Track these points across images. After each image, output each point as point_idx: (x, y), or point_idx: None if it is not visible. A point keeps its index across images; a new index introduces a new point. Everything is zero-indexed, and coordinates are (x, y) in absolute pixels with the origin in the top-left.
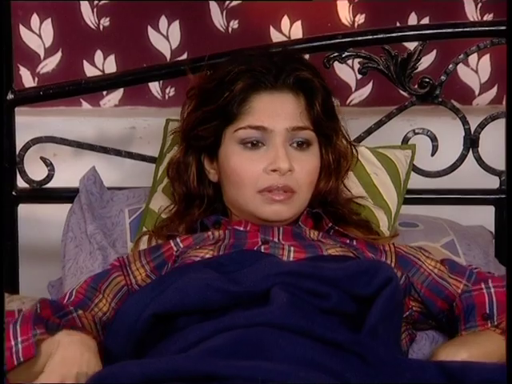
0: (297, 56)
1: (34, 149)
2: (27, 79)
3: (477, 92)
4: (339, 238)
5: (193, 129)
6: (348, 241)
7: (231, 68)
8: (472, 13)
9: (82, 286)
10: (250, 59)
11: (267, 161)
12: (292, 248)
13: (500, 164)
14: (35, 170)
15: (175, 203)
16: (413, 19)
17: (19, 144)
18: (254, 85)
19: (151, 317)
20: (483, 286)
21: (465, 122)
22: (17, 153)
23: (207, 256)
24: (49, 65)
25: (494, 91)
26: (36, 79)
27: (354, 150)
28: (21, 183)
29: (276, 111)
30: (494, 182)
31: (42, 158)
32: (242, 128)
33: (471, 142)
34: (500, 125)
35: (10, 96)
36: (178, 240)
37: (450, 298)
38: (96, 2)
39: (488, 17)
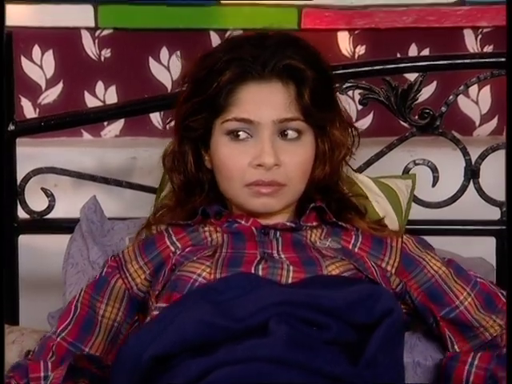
0: (292, 41)
1: (34, 179)
2: (28, 110)
3: (477, 123)
4: (343, 233)
5: (184, 120)
6: (352, 240)
7: (220, 56)
8: (472, 44)
9: (84, 297)
10: (240, 44)
11: (253, 154)
12: (291, 267)
13: (501, 195)
14: (36, 201)
15: (174, 194)
16: (413, 50)
17: (20, 175)
18: (242, 75)
19: (152, 358)
20: (469, 360)
21: (465, 153)
22: (18, 183)
23: (204, 274)
24: (50, 96)
25: (494, 122)
26: (37, 110)
27: (354, 133)
28: (21, 214)
29: (263, 102)
30: (494, 213)
31: (42, 189)
32: (228, 120)
33: (472, 172)
34: (500, 156)
35: (11, 127)
36: (174, 239)
37: (448, 303)
38: (97, 33)
39: (488, 48)
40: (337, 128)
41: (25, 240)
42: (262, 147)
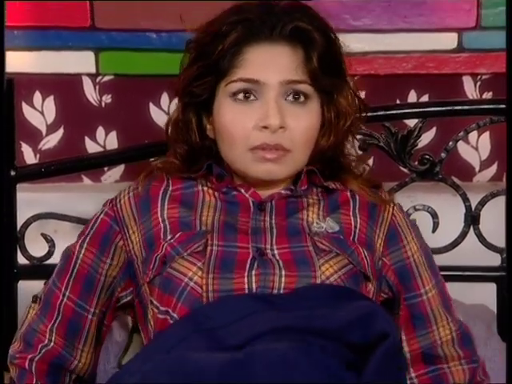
0: (301, 7)
1: (34, 225)
2: (29, 156)
3: (477, 169)
4: (340, 201)
5: (188, 85)
6: (351, 209)
7: (226, 19)
8: (471, 91)
9: (86, 255)
10: (247, 9)
11: (258, 116)
12: (283, 272)
13: (501, 241)
14: (36, 247)
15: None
16: (412, 96)
17: (20, 220)
18: (248, 36)
19: None
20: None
21: (465, 199)
22: (18, 229)
23: (196, 278)
24: (51, 141)
25: (494, 168)
26: (38, 155)
27: (361, 107)
28: (21, 259)
29: (270, 63)
30: (495, 259)
31: (42, 235)
32: (233, 81)
33: (472, 218)
34: (500, 202)
35: (12, 173)
36: (166, 202)
37: (414, 289)
38: (98, 79)
39: (487, 95)
40: (344, 97)
41: (24, 286)
42: (267, 109)
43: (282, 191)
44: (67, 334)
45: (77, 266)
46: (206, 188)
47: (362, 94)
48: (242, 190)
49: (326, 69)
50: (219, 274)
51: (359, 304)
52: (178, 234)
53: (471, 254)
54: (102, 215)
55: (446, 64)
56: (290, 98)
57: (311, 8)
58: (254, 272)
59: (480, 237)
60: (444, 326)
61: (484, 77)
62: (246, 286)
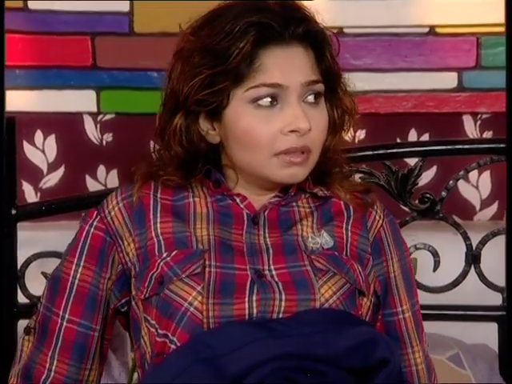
0: (303, 8)
1: (34, 264)
2: (29, 194)
3: (478, 208)
4: (333, 212)
5: (196, 93)
6: (344, 222)
7: (235, 21)
8: (471, 130)
9: (84, 273)
10: (253, 11)
11: (284, 121)
12: (283, 296)
13: (502, 280)
14: (36, 285)
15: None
16: (413, 135)
17: (20, 259)
18: (263, 39)
19: None
20: None
21: (466, 238)
22: (18, 268)
23: (196, 304)
24: (51, 180)
25: (494, 207)
26: (38, 194)
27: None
28: (21, 298)
29: (289, 66)
30: (496, 299)
31: (42, 273)
32: (254, 87)
33: (473, 257)
34: (501, 241)
35: (13, 212)
36: (158, 213)
37: (390, 306)
38: (99, 118)
39: (487, 134)
40: (346, 95)
41: (24, 325)
42: (293, 112)
43: (272, 200)
44: (72, 357)
45: (74, 286)
46: (197, 199)
47: (363, 133)
48: (238, 200)
49: (335, 66)
50: (219, 300)
51: (360, 330)
52: (174, 253)
53: (472, 293)
54: (92, 229)
55: (446, 103)
56: (309, 98)
57: (309, 8)
58: (254, 297)
59: (481, 276)
60: (418, 352)
61: (484, 116)
62: (247, 312)
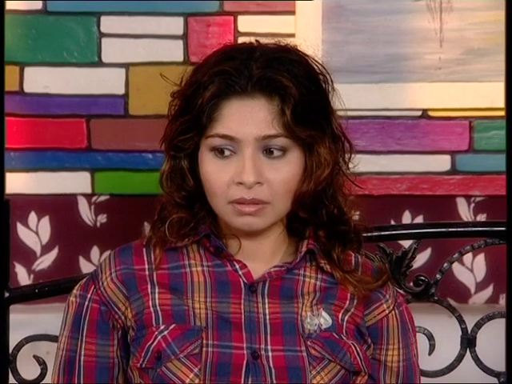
0: (281, 54)
1: (26, 347)
2: (22, 276)
3: (473, 291)
4: (338, 292)
5: (174, 139)
6: (345, 307)
7: (207, 70)
8: (465, 212)
9: (87, 348)
10: (227, 57)
11: (235, 171)
12: (273, 373)
13: (498, 365)
14: (27, 369)
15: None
16: (407, 217)
17: (12, 342)
18: (225, 90)
19: None
20: None
21: (461, 321)
22: (10, 352)
23: None
24: (45, 262)
25: (489, 290)
26: (31, 276)
27: (351, 149)
28: (12, 382)
29: (245, 119)
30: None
31: (35, 357)
32: (211, 136)
33: (468, 341)
34: (497, 324)
35: (6, 294)
36: (155, 280)
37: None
38: (94, 199)
39: (481, 217)
40: (325, 147)
41: None
42: (243, 165)
43: (273, 270)
44: None
45: (82, 363)
46: (193, 268)
47: (357, 214)
48: (237, 266)
49: (304, 121)
50: (215, 382)
51: None
52: (172, 326)
53: (468, 377)
54: (89, 303)
55: (439, 185)
56: (269, 151)
57: (297, 51)
58: (249, 381)
59: (477, 360)
60: None
61: (478, 199)
62: None
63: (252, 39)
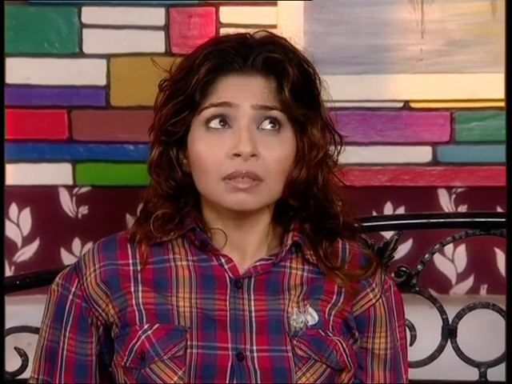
0: (275, 39)
1: (7, 339)
2: None
3: (454, 281)
4: (325, 285)
5: (164, 124)
6: (332, 301)
7: (200, 52)
8: (446, 203)
9: (69, 343)
10: (221, 41)
11: (230, 144)
12: (258, 375)
13: (478, 355)
14: (8, 361)
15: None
16: (388, 208)
17: None
18: (221, 66)
19: None
20: None
21: (442, 312)
22: None
23: None
24: (26, 253)
25: (470, 281)
26: (12, 268)
27: (336, 140)
28: None
29: (242, 90)
30: (473, 374)
31: (16, 349)
32: (205, 108)
33: (449, 332)
34: (477, 315)
35: None
36: (139, 278)
37: (360, 379)
38: (75, 191)
39: (462, 208)
40: (317, 129)
41: None
42: (239, 136)
43: (258, 263)
44: None
45: (64, 357)
46: (178, 262)
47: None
48: (223, 260)
49: (299, 100)
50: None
51: None
52: (156, 326)
53: (449, 367)
54: (73, 298)
55: (421, 177)
56: (264, 125)
57: (287, 40)
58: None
59: (458, 351)
60: None
61: (459, 190)
62: None
63: (236, 30)
